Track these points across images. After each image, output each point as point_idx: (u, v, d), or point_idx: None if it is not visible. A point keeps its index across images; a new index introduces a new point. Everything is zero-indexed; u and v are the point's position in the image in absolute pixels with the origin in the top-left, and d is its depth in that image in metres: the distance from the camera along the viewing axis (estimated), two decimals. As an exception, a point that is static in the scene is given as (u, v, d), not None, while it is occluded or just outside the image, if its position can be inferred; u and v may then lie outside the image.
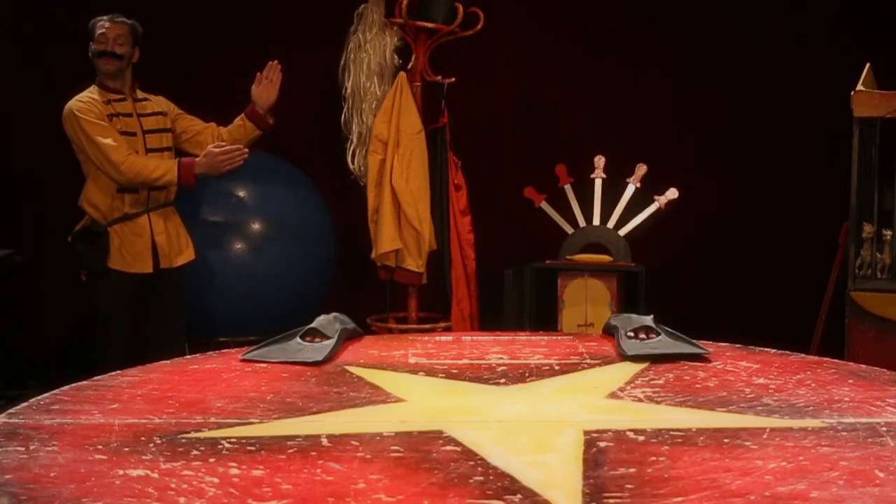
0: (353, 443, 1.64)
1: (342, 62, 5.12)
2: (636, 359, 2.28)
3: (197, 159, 4.12)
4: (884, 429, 1.77)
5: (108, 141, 4.03)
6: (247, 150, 4.18)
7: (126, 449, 1.68)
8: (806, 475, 1.51)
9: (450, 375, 2.18)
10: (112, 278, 4.16)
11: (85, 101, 4.08)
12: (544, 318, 5.16)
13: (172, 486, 1.49)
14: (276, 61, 4.38)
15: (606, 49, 5.68)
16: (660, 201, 5.20)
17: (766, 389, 2.07)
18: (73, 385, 2.12)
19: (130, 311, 4.25)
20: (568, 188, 5.31)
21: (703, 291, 5.64)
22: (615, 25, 5.70)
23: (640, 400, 1.95)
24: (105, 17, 4.16)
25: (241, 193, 4.89)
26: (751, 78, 5.62)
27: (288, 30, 5.60)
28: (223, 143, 4.18)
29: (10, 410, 1.91)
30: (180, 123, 4.36)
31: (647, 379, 2.12)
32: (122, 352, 4.11)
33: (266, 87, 4.37)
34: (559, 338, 2.68)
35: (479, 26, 5.06)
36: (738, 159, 5.68)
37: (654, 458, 1.54)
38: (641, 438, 1.65)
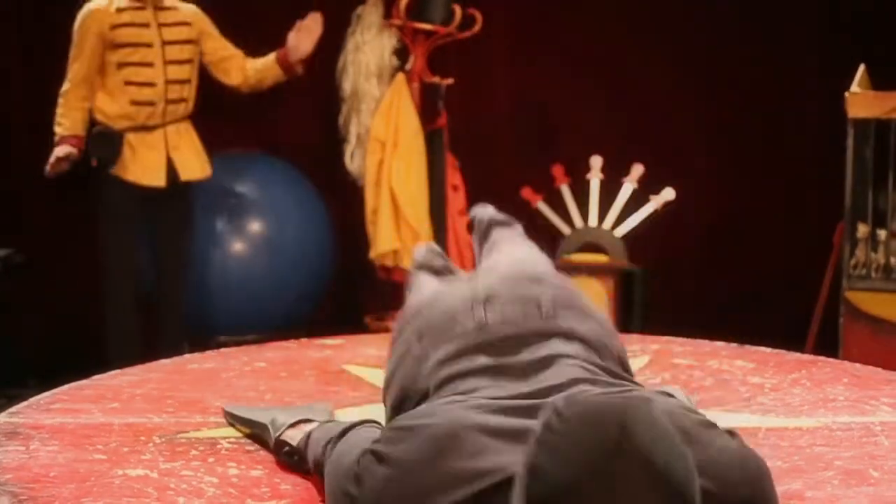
0: (352, 442, 1.65)
1: (340, 63, 5.12)
2: None
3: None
4: (878, 428, 1.78)
5: (75, 66, 4.00)
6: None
7: (125, 449, 1.69)
8: (801, 475, 1.53)
9: (447, 375, 2.18)
10: (122, 190, 4.01)
11: (92, 10, 4.00)
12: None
13: (172, 486, 1.50)
14: (319, 13, 4.20)
15: (604, 49, 5.68)
16: (656, 201, 5.20)
17: (761, 389, 2.08)
18: (73, 384, 2.13)
19: (138, 235, 4.10)
20: (565, 188, 5.31)
21: (699, 291, 5.64)
22: (613, 26, 5.71)
23: (636, 400, 1.95)
24: None
25: (241, 194, 4.90)
26: (749, 78, 5.62)
27: (286, 30, 5.60)
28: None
29: (11, 410, 1.92)
30: (207, 43, 4.19)
31: (643, 378, 2.12)
32: (127, 290, 3.97)
33: (303, 37, 4.20)
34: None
35: (477, 28, 5.07)
36: (735, 159, 5.68)
37: (649, 458, 1.55)
38: (637, 438, 1.66)
